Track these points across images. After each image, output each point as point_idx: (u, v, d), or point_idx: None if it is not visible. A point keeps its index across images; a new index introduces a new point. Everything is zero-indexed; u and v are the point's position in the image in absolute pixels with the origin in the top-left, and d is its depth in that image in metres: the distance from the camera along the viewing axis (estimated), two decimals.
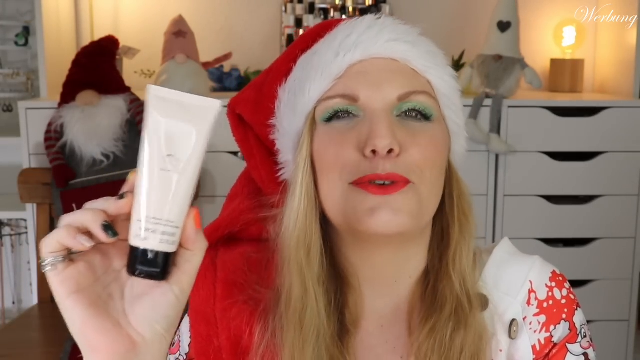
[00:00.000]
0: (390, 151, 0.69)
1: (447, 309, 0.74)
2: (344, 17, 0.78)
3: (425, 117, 0.73)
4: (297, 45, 0.80)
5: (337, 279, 0.76)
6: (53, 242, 0.56)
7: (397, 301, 0.78)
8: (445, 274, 0.75)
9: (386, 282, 0.77)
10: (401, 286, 0.78)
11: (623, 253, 2.25)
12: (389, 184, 0.69)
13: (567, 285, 0.81)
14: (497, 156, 2.19)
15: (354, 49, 0.74)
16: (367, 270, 0.77)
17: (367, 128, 0.70)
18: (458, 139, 0.79)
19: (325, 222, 0.75)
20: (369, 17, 0.77)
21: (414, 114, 0.73)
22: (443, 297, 0.75)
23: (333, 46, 0.75)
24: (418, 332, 0.75)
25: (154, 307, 0.58)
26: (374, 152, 0.69)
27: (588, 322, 0.81)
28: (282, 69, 0.80)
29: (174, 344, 0.81)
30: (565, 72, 2.50)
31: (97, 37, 2.39)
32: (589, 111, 2.20)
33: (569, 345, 0.77)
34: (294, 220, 0.73)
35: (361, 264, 0.76)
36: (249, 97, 0.82)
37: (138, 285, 0.58)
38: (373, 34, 0.74)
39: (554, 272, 0.81)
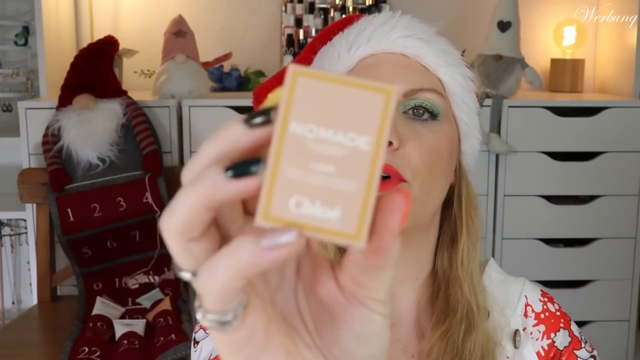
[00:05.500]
0: (389, 144, 0.69)
1: (458, 313, 0.75)
2: (365, 14, 0.80)
3: (431, 114, 0.73)
4: (318, 38, 0.82)
5: None
6: (233, 281, 0.32)
7: (406, 302, 0.79)
8: (455, 277, 0.76)
9: (393, 282, 0.78)
10: (408, 287, 0.78)
11: (623, 253, 2.25)
12: (385, 178, 0.68)
13: (556, 301, 0.85)
14: (497, 156, 2.18)
15: (366, 43, 0.75)
16: None
17: None
18: (468, 139, 0.78)
19: None
20: (386, 14, 0.78)
21: (421, 112, 0.72)
22: (455, 300, 0.75)
23: (348, 40, 0.76)
24: (431, 334, 0.75)
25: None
26: None
27: (588, 322, 0.83)
28: (303, 60, 0.82)
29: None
30: (566, 72, 2.50)
31: (96, 37, 2.39)
32: (589, 111, 2.20)
33: (576, 352, 0.81)
34: None
35: None
36: (270, 85, 0.84)
37: (320, 302, 0.38)
38: (387, 29, 0.75)
39: (542, 292, 0.85)
